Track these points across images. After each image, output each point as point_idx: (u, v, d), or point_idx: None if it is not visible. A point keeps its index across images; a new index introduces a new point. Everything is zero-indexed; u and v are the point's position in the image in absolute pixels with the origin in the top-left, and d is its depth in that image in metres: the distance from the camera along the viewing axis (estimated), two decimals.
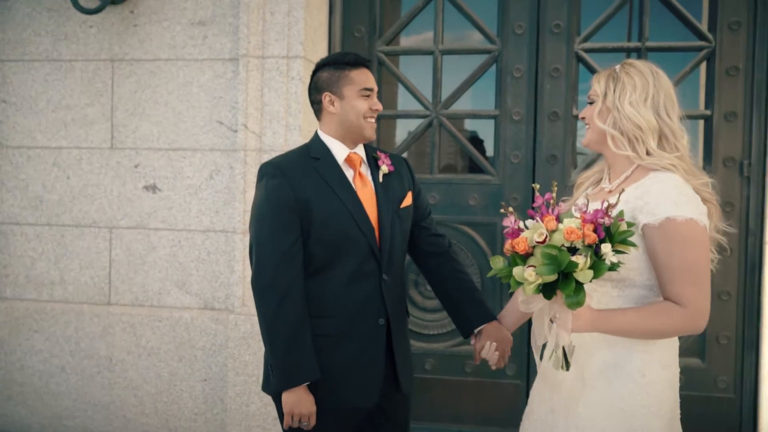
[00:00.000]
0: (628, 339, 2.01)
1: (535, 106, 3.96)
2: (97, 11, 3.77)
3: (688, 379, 3.82)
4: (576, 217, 1.84)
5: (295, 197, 2.30)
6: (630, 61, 2.16)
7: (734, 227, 3.72)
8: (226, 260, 3.93)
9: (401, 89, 4.20)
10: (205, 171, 3.93)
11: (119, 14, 3.97)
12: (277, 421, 3.56)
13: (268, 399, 3.72)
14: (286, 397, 2.28)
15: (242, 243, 3.78)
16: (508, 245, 1.87)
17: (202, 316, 3.93)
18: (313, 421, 2.33)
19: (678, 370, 2.11)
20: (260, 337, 3.11)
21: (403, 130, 4.26)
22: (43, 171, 4.10)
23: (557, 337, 1.93)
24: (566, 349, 1.96)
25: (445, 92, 4.08)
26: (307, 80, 3.79)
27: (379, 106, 2.44)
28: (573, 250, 1.81)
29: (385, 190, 2.45)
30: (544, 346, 2.06)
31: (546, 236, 1.82)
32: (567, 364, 1.96)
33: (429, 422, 4.09)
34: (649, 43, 3.84)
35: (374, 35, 4.13)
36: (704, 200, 2.06)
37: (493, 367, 2.45)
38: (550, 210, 1.87)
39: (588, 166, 3.68)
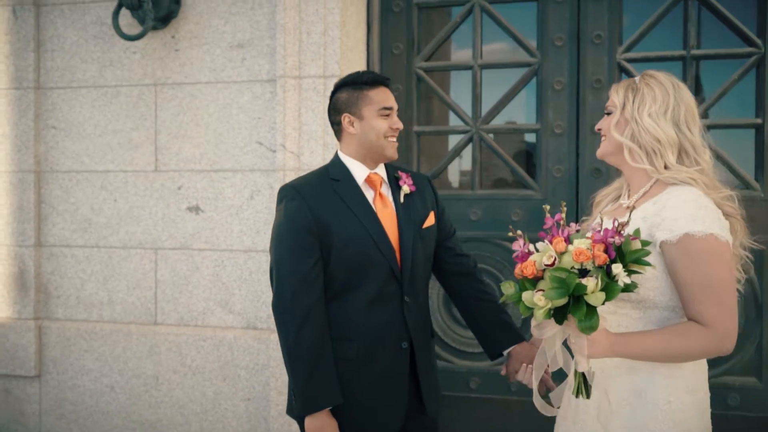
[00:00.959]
0: (651, 363, 1.93)
1: (577, 118, 3.87)
2: (139, 37, 3.85)
3: (743, 400, 3.67)
4: (586, 238, 1.78)
5: (314, 219, 2.29)
6: (650, 72, 2.09)
7: None
8: (267, 280, 3.95)
9: (441, 105, 4.17)
10: (246, 191, 3.97)
11: (161, 39, 4.05)
12: None
13: None
14: (309, 422, 2.26)
15: None
16: (517, 269, 1.82)
17: (245, 335, 3.96)
18: None
19: (708, 394, 2.02)
20: None
21: (445, 145, 4.23)
22: (91, 194, 4.20)
23: (575, 363, 1.86)
24: (586, 376, 1.89)
25: (485, 107, 4.03)
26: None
27: (400, 125, 2.42)
28: (584, 272, 1.75)
29: (407, 211, 2.42)
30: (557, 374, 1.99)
31: (555, 258, 1.76)
32: (587, 392, 1.89)
33: None
34: (695, 51, 3.71)
35: (412, 52, 4.11)
36: (727, 215, 1.97)
37: (538, 391, 2.37)
38: (560, 231, 1.81)
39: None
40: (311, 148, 3.77)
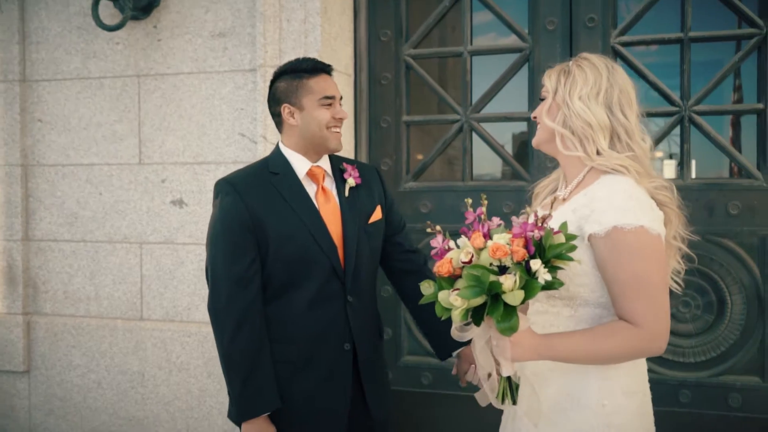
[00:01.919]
0: (583, 365, 1.79)
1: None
2: (118, 27, 3.77)
3: (745, 400, 3.50)
4: (507, 232, 1.65)
5: (250, 216, 2.18)
6: (585, 54, 1.95)
7: None
8: None
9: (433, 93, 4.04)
10: None
11: (143, 29, 3.97)
12: None
13: None
14: (247, 428, 2.17)
15: None
16: (435, 267, 1.70)
17: None
18: None
19: (648, 395, 1.89)
20: None
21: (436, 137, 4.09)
22: (77, 188, 4.15)
23: (502, 368, 1.73)
24: (511, 381, 1.76)
25: (476, 95, 3.89)
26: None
27: (344, 114, 2.29)
28: (503, 270, 1.62)
29: (352, 205, 2.30)
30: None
31: (473, 255, 1.64)
32: (513, 398, 1.76)
33: None
34: (693, 33, 3.52)
35: (401, 39, 3.97)
36: (661, 204, 1.84)
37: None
38: (480, 226, 1.68)
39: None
40: None
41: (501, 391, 1.76)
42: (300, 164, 2.29)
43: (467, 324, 1.68)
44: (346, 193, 2.31)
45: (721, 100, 3.68)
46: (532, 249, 1.62)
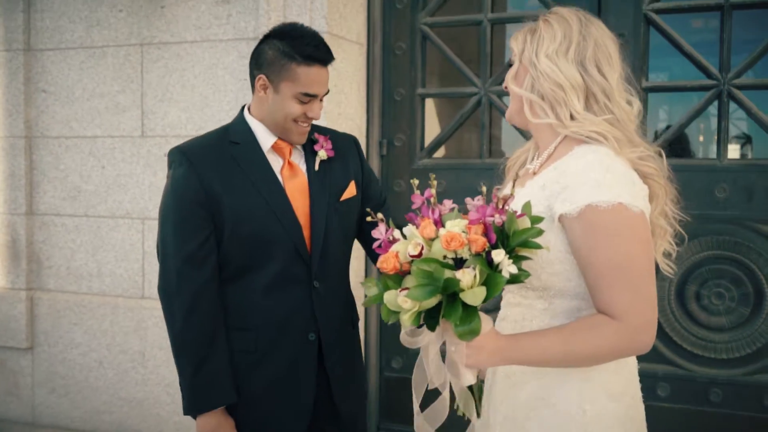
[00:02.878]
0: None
1: None
2: None
3: None
4: (462, 218, 1.40)
5: (203, 189, 1.96)
6: (555, 9, 1.67)
7: None
8: None
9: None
10: None
11: None
12: None
13: None
14: (201, 422, 1.97)
15: None
16: (378, 263, 1.45)
17: None
18: None
19: (638, 398, 1.64)
20: None
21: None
22: (80, 161, 4.00)
23: (461, 377, 1.49)
24: (473, 391, 1.52)
25: (497, 67, 3.62)
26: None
27: (316, 115, 2.02)
28: (461, 263, 1.37)
29: (322, 180, 2.06)
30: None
31: (422, 247, 1.39)
32: (477, 410, 1.52)
33: None
34: None
35: (417, 6, 3.72)
36: (645, 177, 1.57)
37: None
38: (430, 212, 1.43)
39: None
40: None
41: (462, 404, 1.52)
42: (264, 136, 2.06)
43: (420, 326, 1.44)
44: (316, 167, 2.08)
45: (766, 73, 3.35)
46: (494, 237, 1.37)
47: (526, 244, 1.37)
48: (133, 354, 3.91)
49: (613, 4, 3.36)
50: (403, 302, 1.37)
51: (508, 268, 1.35)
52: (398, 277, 1.43)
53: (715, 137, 3.29)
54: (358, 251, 2.51)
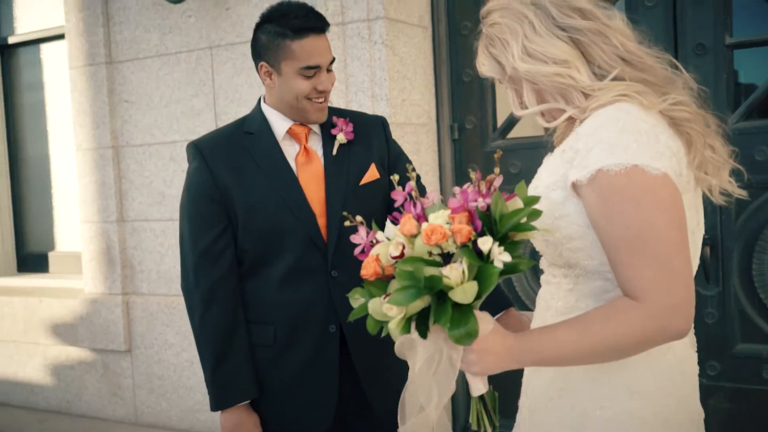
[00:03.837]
0: None
1: (675, 39, 3.16)
2: (181, 0, 3.66)
3: None
4: (446, 208, 1.26)
5: (215, 183, 1.93)
6: (485, 8, 1.47)
7: None
8: None
9: None
10: None
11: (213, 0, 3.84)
12: None
13: None
14: (224, 419, 1.93)
15: None
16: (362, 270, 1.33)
17: None
18: None
19: (669, 398, 1.38)
20: None
21: None
22: (162, 167, 4.11)
23: (470, 387, 1.33)
24: (486, 400, 1.36)
25: None
26: (393, 43, 3.40)
27: (326, 86, 1.93)
28: (450, 257, 1.23)
29: (339, 165, 1.98)
30: None
31: (404, 246, 1.26)
32: (492, 421, 1.36)
33: None
34: None
35: None
36: (679, 123, 1.35)
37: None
38: (412, 207, 1.30)
39: None
40: (359, 100, 3.39)
41: (475, 415, 1.37)
42: (279, 123, 2.01)
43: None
44: (334, 152, 2.00)
45: None
46: (479, 224, 1.23)
47: (519, 228, 1.22)
48: None
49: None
50: (388, 309, 1.25)
51: (500, 257, 1.20)
52: (383, 283, 1.32)
53: None
54: None
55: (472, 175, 1.32)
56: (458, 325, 1.21)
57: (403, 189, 1.34)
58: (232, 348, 1.92)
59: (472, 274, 1.21)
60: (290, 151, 2.00)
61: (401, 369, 2.08)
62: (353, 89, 3.39)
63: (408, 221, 1.28)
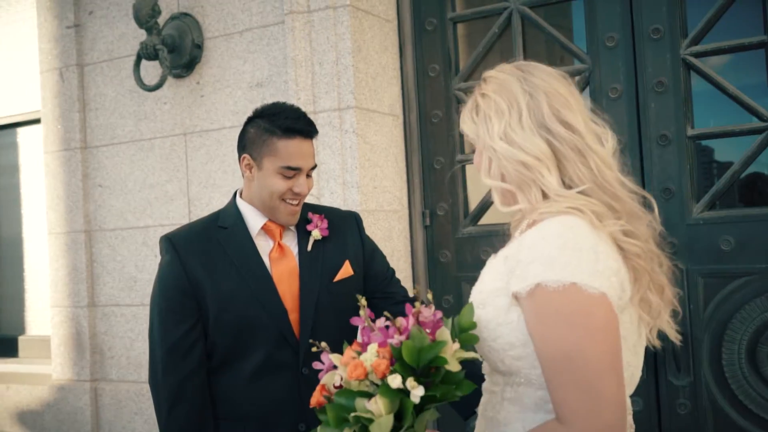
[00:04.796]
0: None
1: (638, 129, 3.24)
2: (157, 87, 3.73)
3: None
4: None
5: (187, 277, 1.95)
6: (487, 73, 1.51)
7: None
8: None
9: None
10: None
11: (187, 87, 3.90)
12: None
13: None
14: None
15: None
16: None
17: None
18: None
19: None
20: None
21: None
22: (135, 251, 4.10)
23: None
24: None
25: None
26: (364, 132, 3.46)
27: (304, 189, 1.97)
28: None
29: (313, 262, 2.00)
30: None
31: (341, 377, 1.29)
32: None
33: None
34: None
35: (450, 72, 3.67)
36: (629, 256, 1.36)
37: None
38: (366, 334, 1.32)
39: None
40: (331, 188, 3.43)
41: None
42: (254, 218, 2.03)
43: None
44: (309, 248, 2.02)
45: None
46: (393, 361, 1.26)
47: (436, 362, 1.24)
48: None
49: (649, 52, 3.20)
50: None
51: (415, 391, 1.22)
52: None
53: None
54: None
55: (417, 304, 1.32)
56: None
57: (360, 318, 1.35)
58: None
59: (388, 408, 1.22)
60: (264, 246, 2.02)
61: None
62: (325, 177, 3.43)
63: (347, 353, 1.30)
